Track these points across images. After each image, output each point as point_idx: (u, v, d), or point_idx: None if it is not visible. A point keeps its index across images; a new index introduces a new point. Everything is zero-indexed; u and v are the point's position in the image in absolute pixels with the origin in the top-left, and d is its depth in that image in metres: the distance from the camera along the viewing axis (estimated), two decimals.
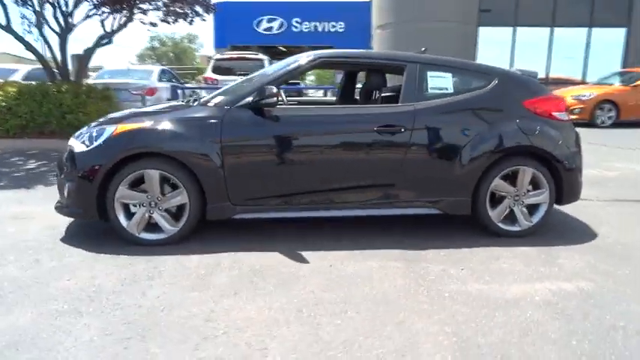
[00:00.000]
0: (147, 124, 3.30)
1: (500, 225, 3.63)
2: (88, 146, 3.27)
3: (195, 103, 3.61)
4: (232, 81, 10.55)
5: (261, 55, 11.84)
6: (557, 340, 2.23)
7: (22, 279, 2.81)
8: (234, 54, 12.15)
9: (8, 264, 3.03)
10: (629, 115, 11.23)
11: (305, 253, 3.24)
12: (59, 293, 2.64)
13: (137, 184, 3.30)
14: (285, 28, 24.96)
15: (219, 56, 11.84)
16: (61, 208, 3.46)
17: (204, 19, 9.30)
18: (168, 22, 8.86)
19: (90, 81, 10.27)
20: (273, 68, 3.79)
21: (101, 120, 3.65)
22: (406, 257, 3.23)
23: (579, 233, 3.78)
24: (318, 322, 2.36)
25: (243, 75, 10.95)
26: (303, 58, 3.61)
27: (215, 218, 3.38)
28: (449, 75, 3.64)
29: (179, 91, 11.31)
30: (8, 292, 2.64)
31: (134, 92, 10.00)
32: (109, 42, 8.74)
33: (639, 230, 3.89)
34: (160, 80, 11.06)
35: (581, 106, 11.21)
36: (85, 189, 3.25)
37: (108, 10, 8.31)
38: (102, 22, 8.57)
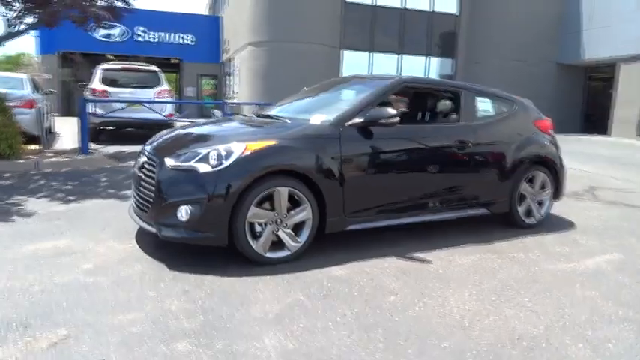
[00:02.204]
0: (273, 142, 3.30)
1: (524, 219, 4.54)
2: (215, 166, 3.12)
3: (286, 121, 3.71)
4: (129, 94, 9.95)
5: (154, 67, 11.14)
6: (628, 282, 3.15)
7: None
8: (125, 64, 11.17)
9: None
10: None
11: (417, 255, 3.63)
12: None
13: (260, 203, 3.27)
14: (128, 36, 23.32)
15: (106, 66, 10.73)
16: (176, 233, 3.17)
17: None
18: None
19: None
20: (366, 90, 3.99)
21: (178, 137, 3.50)
22: (494, 250, 3.88)
23: (563, 221, 4.92)
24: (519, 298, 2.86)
25: (138, 87, 10.34)
26: (391, 82, 3.98)
27: (332, 231, 3.53)
28: (489, 100, 4.44)
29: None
30: None
31: (11, 104, 8.55)
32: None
33: (597, 213, 5.23)
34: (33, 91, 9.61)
35: None
36: (216, 212, 3.10)
37: None
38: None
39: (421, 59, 18.48)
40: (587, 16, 17.31)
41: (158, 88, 10.57)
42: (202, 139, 3.61)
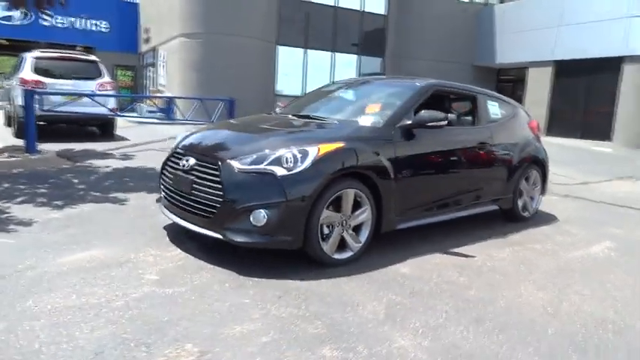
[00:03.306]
0: (342, 144, 3.31)
1: (522, 213, 4.99)
2: (291, 169, 3.07)
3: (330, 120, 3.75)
4: (70, 86, 9.11)
5: (93, 57, 10.25)
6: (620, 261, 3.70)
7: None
8: (61, 53, 10.11)
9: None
10: None
11: (455, 250, 3.86)
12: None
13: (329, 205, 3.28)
14: (32, 20, 21.11)
15: (38, 54, 9.61)
16: (248, 238, 3.07)
17: None
18: None
19: None
20: (404, 94, 4.08)
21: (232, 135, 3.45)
22: (514, 242, 4.24)
23: (543, 214, 5.46)
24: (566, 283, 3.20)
25: (79, 79, 9.48)
26: (424, 85, 4.14)
27: (386, 231, 3.63)
28: (496, 104, 4.79)
29: None
30: None
31: None
32: None
33: (563, 206, 5.87)
34: None
35: None
36: (294, 215, 3.06)
37: None
38: None
39: (353, 57, 19.00)
40: (499, 23, 18.95)
41: (100, 80, 9.77)
42: (256, 139, 3.51)
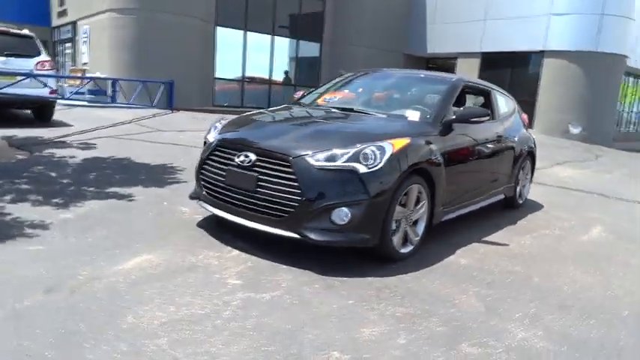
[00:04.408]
0: (408, 139, 3.33)
1: (518, 200, 5.37)
2: (371, 166, 3.04)
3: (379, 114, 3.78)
4: (1, 64, 8.06)
5: (27, 31, 9.09)
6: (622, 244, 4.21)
7: None
8: None
9: None
10: None
11: (487, 239, 4.09)
12: None
13: None
14: None
15: None
16: (330, 237, 3.01)
17: None
18: None
19: None
20: (441, 89, 4.15)
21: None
22: (527, 229, 4.56)
23: (529, 201, 5.92)
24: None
25: (14, 56, 8.41)
26: (456, 81, 4.25)
27: (435, 223, 3.73)
28: (504, 99, 5.06)
29: None
30: None
31: None
32: None
33: (534, 190, 6.38)
34: None
35: None
36: (376, 212, 3.05)
37: None
38: None
39: (292, 41, 18.74)
40: (431, 13, 19.74)
41: (38, 59, 8.75)
42: (319, 134, 3.42)
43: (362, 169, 3.02)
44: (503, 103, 5.05)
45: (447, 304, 2.76)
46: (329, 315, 2.50)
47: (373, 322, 2.47)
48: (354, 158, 3.04)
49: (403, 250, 3.37)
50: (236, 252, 3.28)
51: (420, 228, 3.53)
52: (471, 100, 4.99)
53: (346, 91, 4.68)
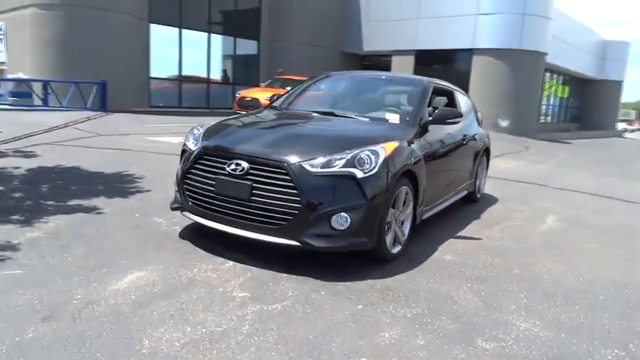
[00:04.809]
0: (396, 143, 3.41)
1: (477, 194, 5.69)
2: (367, 170, 3.09)
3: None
4: None
5: None
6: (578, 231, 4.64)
7: None
8: None
9: None
10: None
11: (463, 234, 4.30)
12: None
13: None
14: None
15: None
16: (331, 243, 3.04)
17: None
18: None
19: None
20: (415, 92, 4.28)
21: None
22: (489, 223, 4.84)
23: (483, 194, 6.28)
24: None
25: None
26: (427, 84, 4.40)
27: (417, 222, 3.86)
28: (465, 98, 5.31)
29: None
30: None
31: None
32: None
33: (489, 183, 6.78)
34: None
35: None
36: (374, 215, 3.12)
37: None
38: None
39: (230, 39, 18.37)
40: (365, 11, 20.16)
41: None
42: (308, 138, 3.43)
43: (359, 173, 3.06)
44: (464, 102, 5.31)
45: (449, 301, 2.89)
46: (344, 321, 2.53)
47: (388, 325, 2.53)
48: (350, 163, 3.09)
49: (394, 251, 3.46)
50: (230, 263, 3.21)
51: (406, 228, 3.64)
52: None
53: (318, 94, 4.71)
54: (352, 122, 3.93)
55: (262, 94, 14.26)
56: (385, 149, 3.24)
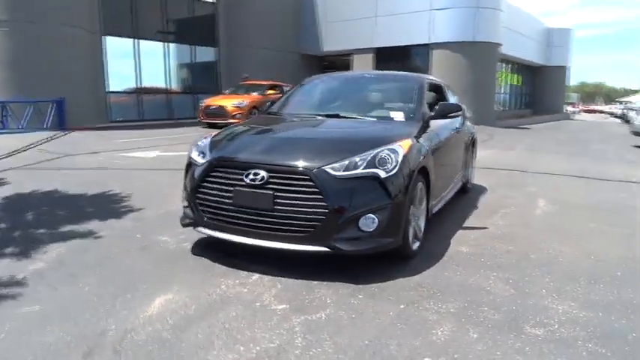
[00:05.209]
0: (409, 140, 3.42)
1: (468, 185, 5.80)
2: (389, 170, 3.09)
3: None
4: None
5: None
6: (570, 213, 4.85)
7: None
8: None
9: None
10: None
11: (469, 224, 4.37)
12: None
13: None
14: None
15: None
16: (362, 246, 3.01)
17: None
18: None
19: None
20: (414, 88, 4.31)
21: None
22: (488, 211, 4.95)
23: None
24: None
25: None
26: (423, 81, 4.44)
27: (430, 217, 3.89)
28: (451, 92, 5.40)
29: None
30: None
31: None
32: None
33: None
34: None
35: (240, 112, 13.73)
36: (399, 215, 3.12)
37: None
38: None
39: (187, 47, 17.97)
40: (322, 12, 20.23)
41: None
42: (325, 143, 3.40)
43: (382, 173, 3.05)
44: (451, 95, 5.40)
45: (482, 292, 2.92)
46: (393, 323, 2.51)
47: (437, 322, 2.53)
48: (372, 164, 3.07)
49: (415, 247, 3.47)
50: (256, 275, 3.13)
51: (422, 223, 3.66)
52: None
53: (316, 97, 4.67)
54: (360, 123, 3.92)
55: (228, 102, 14.07)
56: (402, 147, 3.25)
